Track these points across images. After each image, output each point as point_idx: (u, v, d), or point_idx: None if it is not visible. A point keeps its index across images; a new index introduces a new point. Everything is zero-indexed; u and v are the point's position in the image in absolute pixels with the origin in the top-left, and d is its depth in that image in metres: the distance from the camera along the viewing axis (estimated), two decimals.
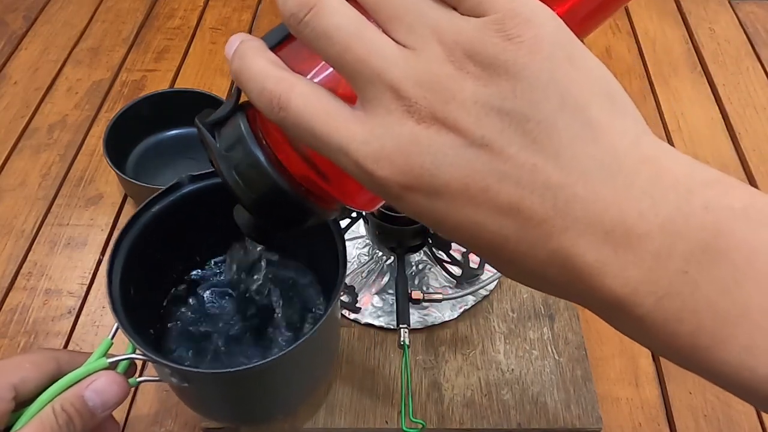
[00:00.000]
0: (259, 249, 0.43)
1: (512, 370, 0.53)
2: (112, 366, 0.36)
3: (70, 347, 0.56)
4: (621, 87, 0.22)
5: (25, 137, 0.73)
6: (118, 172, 0.61)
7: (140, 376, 0.39)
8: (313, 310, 0.50)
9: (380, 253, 0.59)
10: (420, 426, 0.49)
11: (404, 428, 0.49)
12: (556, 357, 0.53)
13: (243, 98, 0.26)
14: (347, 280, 0.57)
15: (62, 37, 0.85)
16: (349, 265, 0.58)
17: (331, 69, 0.23)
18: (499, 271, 0.24)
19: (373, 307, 0.56)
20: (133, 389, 0.39)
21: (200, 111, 0.28)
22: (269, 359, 0.37)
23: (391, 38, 0.21)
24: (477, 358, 0.53)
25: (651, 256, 0.20)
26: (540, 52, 0.20)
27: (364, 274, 0.58)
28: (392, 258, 0.58)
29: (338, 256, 0.42)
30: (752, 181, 0.69)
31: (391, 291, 0.57)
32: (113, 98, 0.78)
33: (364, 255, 0.59)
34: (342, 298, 0.56)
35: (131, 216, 0.42)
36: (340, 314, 0.54)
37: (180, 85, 0.79)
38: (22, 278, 0.61)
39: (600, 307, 0.21)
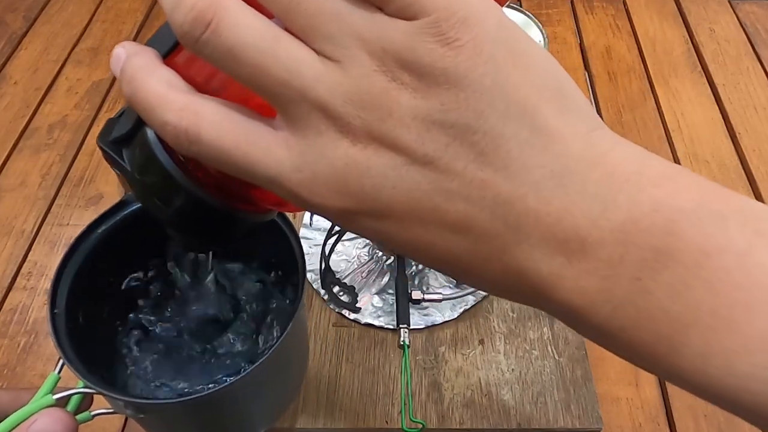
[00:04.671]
0: (210, 261, 0.41)
1: (512, 370, 0.53)
2: (61, 402, 0.33)
3: None
4: (568, 76, 0.20)
5: (25, 137, 0.73)
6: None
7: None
8: (276, 321, 0.46)
9: (380, 253, 0.59)
10: (420, 426, 0.49)
11: (404, 428, 0.49)
12: (556, 357, 0.53)
13: None
14: (347, 280, 0.57)
15: (62, 37, 0.85)
16: (348, 265, 0.59)
17: None
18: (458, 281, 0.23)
19: (373, 307, 0.56)
20: None
21: None
22: (224, 384, 0.34)
23: (311, 48, 0.18)
24: (477, 358, 0.53)
25: (604, 264, 0.19)
26: (481, 54, 0.18)
27: (364, 274, 0.58)
28: (392, 258, 0.58)
29: (296, 256, 0.39)
30: (752, 181, 0.69)
31: (391, 291, 0.57)
32: (113, 98, 0.78)
33: (364, 255, 0.59)
34: (342, 298, 0.56)
35: (74, 239, 0.39)
36: (305, 318, 0.51)
37: None
38: (22, 278, 0.61)
39: (561, 316, 0.21)
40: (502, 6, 0.22)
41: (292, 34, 0.19)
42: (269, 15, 0.19)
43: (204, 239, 0.26)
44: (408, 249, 0.20)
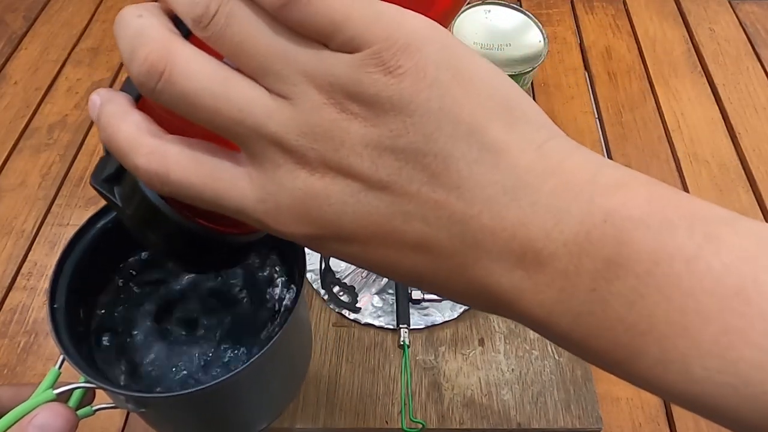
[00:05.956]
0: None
1: (512, 370, 0.53)
2: (62, 397, 0.33)
3: None
4: (518, 90, 0.21)
5: (25, 137, 0.73)
6: None
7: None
8: (277, 316, 0.46)
9: None
10: (420, 426, 0.49)
11: (404, 428, 0.49)
12: (556, 357, 0.53)
13: None
14: (347, 280, 0.57)
15: (62, 37, 0.85)
16: (348, 264, 0.59)
17: None
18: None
19: (373, 307, 0.56)
20: None
21: None
22: (225, 377, 0.34)
23: (262, 86, 0.19)
24: (477, 358, 0.53)
25: (560, 276, 0.19)
26: (424, 79, 0.18)
27: (364, 274, 0.58)
28: None
29: (295, 248, 0.39)
30: (752, 182, 0.69)
31: (391, 291, 0.57)
32: None
33: None
34: (342, 297, 0.56)
35: (73, 234, 0.39)
36: (307, 314, 0.51)
37: None
38: (22, 278, 0.61)
39: (527, 325, 0.21)
40: (446, 27, 0.22)
41: (244, 74, 0.19)
42: (221, 56, 0.19)
43: (198, 264, 0.27)
44: (375, 268, 0.21)
